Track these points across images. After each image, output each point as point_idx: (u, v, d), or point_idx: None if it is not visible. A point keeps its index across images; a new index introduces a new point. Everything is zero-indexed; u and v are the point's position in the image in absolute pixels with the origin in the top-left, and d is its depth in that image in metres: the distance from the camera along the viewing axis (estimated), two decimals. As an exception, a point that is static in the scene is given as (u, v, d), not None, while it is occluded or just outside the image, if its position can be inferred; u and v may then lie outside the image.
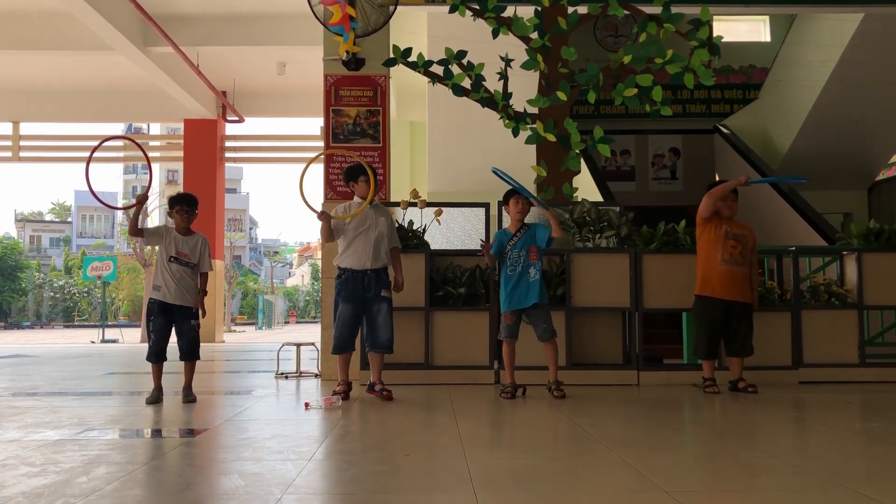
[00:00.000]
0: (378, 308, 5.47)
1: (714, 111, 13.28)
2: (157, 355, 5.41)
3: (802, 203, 10.39)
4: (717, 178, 11.94)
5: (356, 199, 5.62)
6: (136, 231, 5.60)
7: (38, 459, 3.37)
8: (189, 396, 5.39)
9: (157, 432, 4.38)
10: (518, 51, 7.44)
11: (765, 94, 13.10)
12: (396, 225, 6.50)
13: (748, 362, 5.94)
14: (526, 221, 5.73)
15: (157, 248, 5.56)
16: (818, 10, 10.02)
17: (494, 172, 5.64)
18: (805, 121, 11.68)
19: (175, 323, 5.41)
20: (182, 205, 5.49)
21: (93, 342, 17.94)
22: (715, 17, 10.41)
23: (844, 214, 12.64)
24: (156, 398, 5.33)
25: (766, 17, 13.59)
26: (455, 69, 7.41)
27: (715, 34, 7.61)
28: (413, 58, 7.38)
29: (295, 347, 7.59)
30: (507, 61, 7.42)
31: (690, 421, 4.93)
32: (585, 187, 8.78)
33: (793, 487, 2.87)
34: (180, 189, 16.43)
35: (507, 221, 6.03)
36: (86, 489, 2.81)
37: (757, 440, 4.04)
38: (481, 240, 6.28)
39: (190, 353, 5.46)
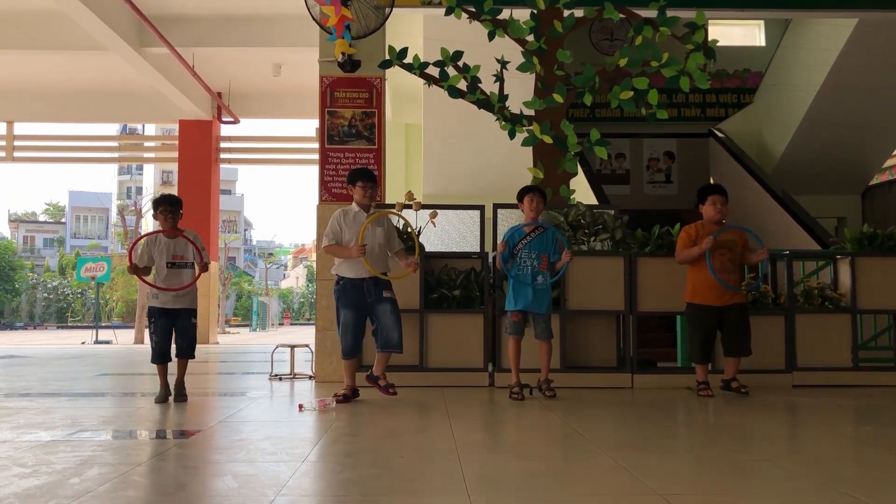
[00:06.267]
0: (383, 309, 5.44)
1: (709, 115, 13.30)
2: (161, 356, 5.48)
3: (797, 207, 10.43)
4: (712, 181, 11.97)
5: (353, 204, 5.61)
6: (136, 269, 5.54)
7: (30, 460, 3.35)
8: (181, 395, 5.44)
9: (150, 433, 4.36)
10: (514, 53, 7.44)
11: (759, 98, 13.13)
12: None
13: (742, 365, 5.94)
14: (541, 223, 5.71)
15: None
16: (813, 15, 10.05)
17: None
18: (799, 125, 11.70)
19: (176, 323, 5.49)
20: (165, 205, 5.53)
21: (83, 343, 17.86)
22: (710, 21, 10.46)
23: (838, 219, 12.68)
24: (164, 397, 5.41)
25: (761, 22, 13.64)
26: (451, 71, 7.41)
27: (710, 38, 7.63)
28: (409, 59, 7.38)
29: (289, 349, 7.58)
30: (504, 63, 7.42)
31: (684, 424, 4.93)
32: (580, 190, 8.79)
33: (786, 491, 2.88)
34: (175, 190, 16.36)
35: (501, 225, 6.02)
36: (78, 490, 2.80)
37: (750, 444, 4.05)
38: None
39: (188, 351, 5.52)
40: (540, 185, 7.29)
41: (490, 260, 6.68)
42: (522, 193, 5.79)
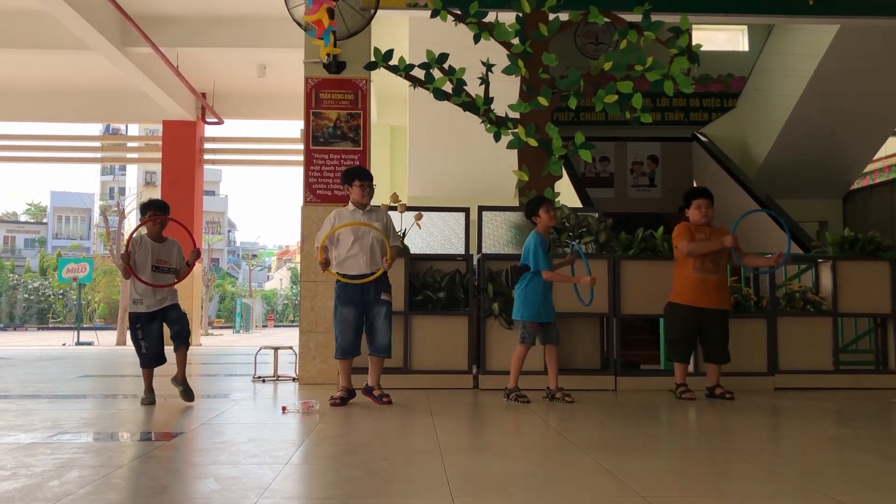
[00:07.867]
0: (377, 312, 5.41)
1: (692, 119, 13.37)
2: (155, 360, 5.42)
3: (779, 211, 10.50)
4: (695, 185, 12.04)
5: (349, 204, 5.59)
6: (132, 271, 5.41)
7: (9, 463, 3.32)
8: (189, 395, 5.39)
9: (131, 436, 4.33)
10: (499, 56, 7.46)
11: (742, 102, 13.23)
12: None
13: (724, 368, 5.97)
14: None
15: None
16: (795, 21, 10.15)
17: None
18: (782, 130, 11.81)
19: (167, 316, 5.44)
20: (155, 210, 5.50)
21: (64, 344, 17.69)
22: (694, 26, 10.52)
23: (820, 223, 12.80)
24: (152, 399, 5.38)
25: (745, 27, 13.75)
26: (436, 73, 7.42)
27: (694, 43, 7.68)
28: (394, 61, 7.38)
29: (272, 351, 7.55)
30: (489, 66, 7.44)
31: (667, 426, 4.96)
32: (565, 193, 8.82)
33: (767, 492, 2.90)
34: (158, 191, 16.25)
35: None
36: (58, 493, 2.77)
37: (732, 445, 4.08)
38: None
39: (185, 338, 5.45)
40: (524, 187, 7.32)
41: (475, 262, 6.69)
42: (538, 204, 5.68)
